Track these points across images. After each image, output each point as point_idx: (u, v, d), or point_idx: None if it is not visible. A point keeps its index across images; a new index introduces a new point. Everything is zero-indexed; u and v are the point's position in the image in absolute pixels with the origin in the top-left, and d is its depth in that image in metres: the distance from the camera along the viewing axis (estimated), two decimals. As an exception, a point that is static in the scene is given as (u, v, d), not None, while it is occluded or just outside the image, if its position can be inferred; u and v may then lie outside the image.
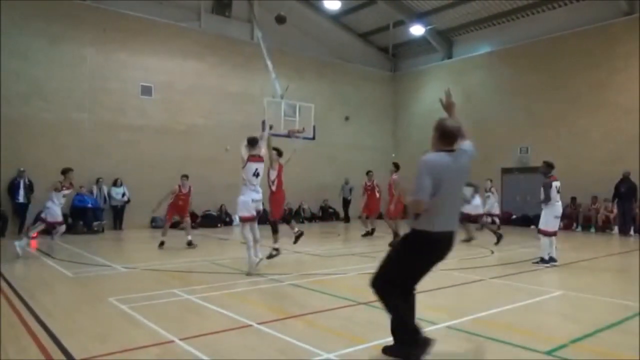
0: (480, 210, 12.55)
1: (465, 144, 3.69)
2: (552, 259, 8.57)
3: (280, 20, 11.75)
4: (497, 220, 15.22)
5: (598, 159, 15.71)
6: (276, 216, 9.04)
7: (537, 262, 8.64)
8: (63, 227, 10.18)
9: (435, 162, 3.45)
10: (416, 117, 22.09)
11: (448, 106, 3.96)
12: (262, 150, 7.87)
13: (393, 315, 3.60)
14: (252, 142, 7.69)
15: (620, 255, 10.83)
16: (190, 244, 10.74)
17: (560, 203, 8.74)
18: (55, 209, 9.79)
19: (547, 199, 8.53)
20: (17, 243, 9.34)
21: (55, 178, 13.57)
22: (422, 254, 3.56)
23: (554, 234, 8.64)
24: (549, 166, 8.70)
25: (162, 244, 10.70)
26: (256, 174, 7.53)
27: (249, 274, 7.32)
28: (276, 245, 8.61)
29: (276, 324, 4.69)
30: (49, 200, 9.91)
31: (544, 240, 8.64)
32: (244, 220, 7.50)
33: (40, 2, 13.96)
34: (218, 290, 6.35)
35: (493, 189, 15.23)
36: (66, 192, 10.09)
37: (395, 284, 3.62)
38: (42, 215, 9.94)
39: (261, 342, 4.21)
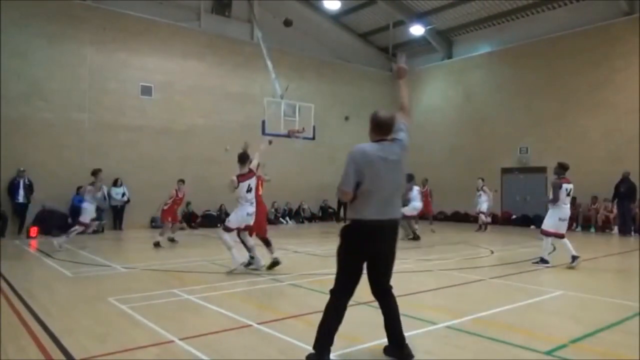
0: (414, 213, 12.57)
1: (400, 134, 3.65)
2: (574, 258, 8.22)
3: (287, 23, 12.07)
4: (483, 218, 15.05)
5: (598, 159, 15.71)
6: (259, 232, 8.24)
7: (537, 262, 8.59)
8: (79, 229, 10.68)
9: (359, 153, 3.48)
10: (416, 117, 22.05)
11: (399, 72, 3.90)
12: (254, 162, 7.88)
13: (323, 315, 3.55)
14: (243, 159, 7.68)
15: (620, 255, 10.82)
16: (172, 240, 11.35)
17: (568, 206, 8.50)
18: (92, 210, 10.58)
19: (555, 200, 8.34)
20: (55, 240, 10.26)
21: (55, 178, 13.77)
22: (357, 243, 3.52)
23: (560, 235, 8.42)
24: (561, 167, 8.50)
25: (157, 244, 10.83)
26: (249, 190, 7.62)
27: (231, 272, 7.43)
28: (275, 255, 7.99)
29: (276, 324, 4.69)
30: (85, 202, 10.59)
31: (545, 240, 8.56)
32: (227, 230, 7.62)
33: (40, 2, 13.96)
34: (218, 290, 6.36)
35: (485, 188, 15.07)
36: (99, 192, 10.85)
37: (351, 283, 3.57)
38: (81, 219, 10.51)
39: (261, 342, 4.21)
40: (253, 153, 8.04)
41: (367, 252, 3.55)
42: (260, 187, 8.29)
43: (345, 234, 3.60)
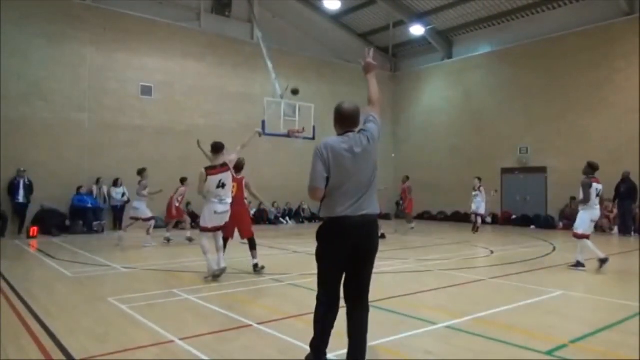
0: None
1: (369, 125, 3.50)
2: (579, 264, 8.06)
3: (295, 92, 12.55)
4: (479, 220, 14.88)
5: (598, 159, 15.42)
6: (245, 234, 7.65)
7: (574, 266, 8.11)
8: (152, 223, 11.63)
9: (324, 147, 3.33)
10: (416, 117, 22.11)
11: (367, 67, 3.76)
12: (232, 156, 7.16)
13: (314, 321, 3.45)
14: (216, 149, 6.94)
15: (620, 255, 10.80)
16: (169, 240, 11.67)
17: (598, 207, 8.17)
18: (143, 206, 11.24)
19: (586, 200, 8.00)
20: (116, 234, 11.44)
21: (55, 178, 13.81)
22: (333, 243, 3.33)
23: (586, 236, 8.14)
24: (590, 167, 8.19)
25: (190, 239, 11.60)
26: (221, 185, 6.80)
27: (206, 278, 6.92)
28: (256, 261, 7.55)
29: (276, 324, 4.69)
30: (135, 201, 11.37)
31: (585, 243, 8.09)
32: (203, 230, 6.98)
33: (40, 2, 13.96)
34: (218, 290, 6.36)
35: (481, 189, 14.84)
36: (148, 188, 11.29)
37: (334, 287, 3.39)
38: (135, 214, 11.33)
39: (261, 342, 4.21)
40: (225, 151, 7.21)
41: (344, 251, 3.32)
42: (237, 188, 7.59)
43: (319, 235, 3.42)
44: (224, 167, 6.86)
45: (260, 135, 8.12)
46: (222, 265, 6.93)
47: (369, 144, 3.41)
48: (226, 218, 7.01)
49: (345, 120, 3.49)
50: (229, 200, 6.97)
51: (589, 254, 8.18)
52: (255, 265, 7.51)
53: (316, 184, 3.31)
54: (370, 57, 3.78)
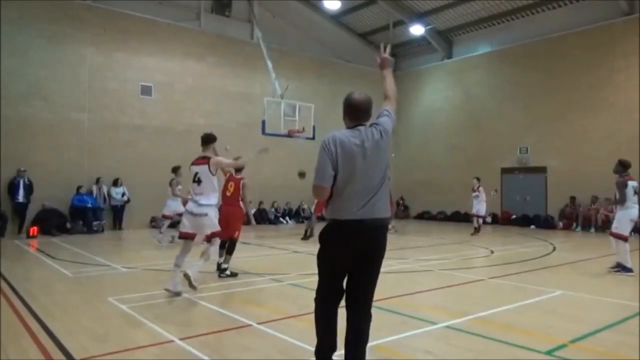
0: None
1: (382, 119, 3.25)
2: (626, 268, 7.66)
3: (302, 175, 12.73)
4: (480, 221, 14.72)
5: (598, 159, 15.68)
6: (226, 233, 6.99)
7: (617, 270, 7.74)
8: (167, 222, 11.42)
9: (332, 141, 3.03)
10: (416, 117, 22.11)
11: (383, 63, 3.57)
12: (224, 160, 6.33)
13: (315, 324, 3.27)
14: (204, 141, 6.21)
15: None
16: (172, 240, 11.60)
17: (637, 206, 7.76)
18: (172, 205, 11.23)
19: (623, 200, 7.66)
20: (157, 237, 11.32)
21: (55, 178, 13.81)
22: (336, 247, 3.12)
23: (627, 239, 7.75)
24: (622, 164, 7.80)
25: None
26: (196, 180, 6.00)
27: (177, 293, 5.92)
28: (220, 261, 7.25)
29: (276, 324, 4.69)
30: (169, 199, 11.31)
31: (623, 245, 7.72)
32: (180, 236, 6.24)
33: (40, 2, 13.96)
34: (218, 290, 6.36)
35: (480, 189, 14.57)
36: (180, 187, 11.15)
37: (333, 291, 3.21)
38: (165, 212, 11.41)
39: (261, 342, 4.21)
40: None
41: (348, 256, 3.10)
42: (234, 188, 7.37)
43: (322, 237, 3.19)
44: (203, 159, 6.06)
45: (267, 151, 7.69)
46: (184, 275, 5.85)
47: (382, 139, 3.13)
48: (202, 226, 6.02)
49: (356, 112, 3.19)
50: (205, 202, 5.97)
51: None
52: (224, 270, 7.11)
53: (322, 182, 3.02)
54: (387, 53, 3.62)
